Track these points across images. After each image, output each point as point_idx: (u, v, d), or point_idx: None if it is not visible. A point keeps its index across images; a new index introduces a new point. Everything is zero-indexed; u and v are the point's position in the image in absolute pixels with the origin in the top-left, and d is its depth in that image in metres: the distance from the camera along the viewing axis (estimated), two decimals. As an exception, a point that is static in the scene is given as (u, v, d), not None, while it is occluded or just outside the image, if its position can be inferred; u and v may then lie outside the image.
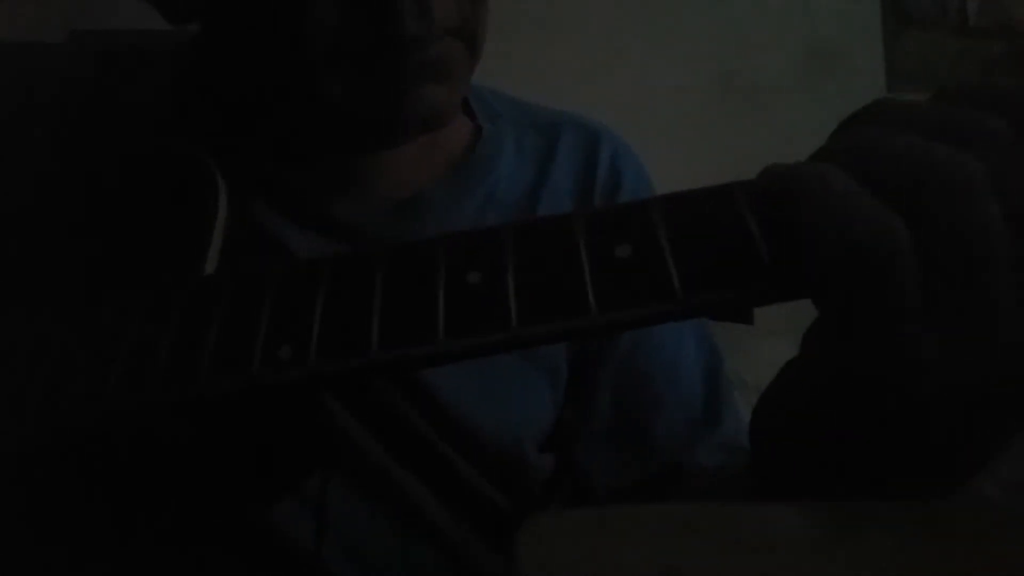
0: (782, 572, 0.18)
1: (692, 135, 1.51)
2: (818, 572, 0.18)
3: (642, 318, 0.25)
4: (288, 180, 0.49)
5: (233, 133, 0.48)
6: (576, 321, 0.25)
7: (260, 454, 0.35)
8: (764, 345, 1.57)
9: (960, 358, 0.22)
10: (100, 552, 0.33)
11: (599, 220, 0.27)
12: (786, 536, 0.19)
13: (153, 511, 0.34)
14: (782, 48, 1.86)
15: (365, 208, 0.49)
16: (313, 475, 0.40)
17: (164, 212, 0.39)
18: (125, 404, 0.27)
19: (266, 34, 0.43)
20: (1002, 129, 0.23)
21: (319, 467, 0.40)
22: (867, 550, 0.18)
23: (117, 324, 0.29)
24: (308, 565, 0.41)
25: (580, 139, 0.57)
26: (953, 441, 0.24)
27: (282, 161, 0.49)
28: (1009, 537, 0.18)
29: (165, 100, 0.50)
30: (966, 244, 0.22)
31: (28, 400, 0.29)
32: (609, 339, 0.52)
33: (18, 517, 0.32)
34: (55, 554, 0.32)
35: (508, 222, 0.28)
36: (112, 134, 0.46)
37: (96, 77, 0.50)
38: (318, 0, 0.41)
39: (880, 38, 1.91)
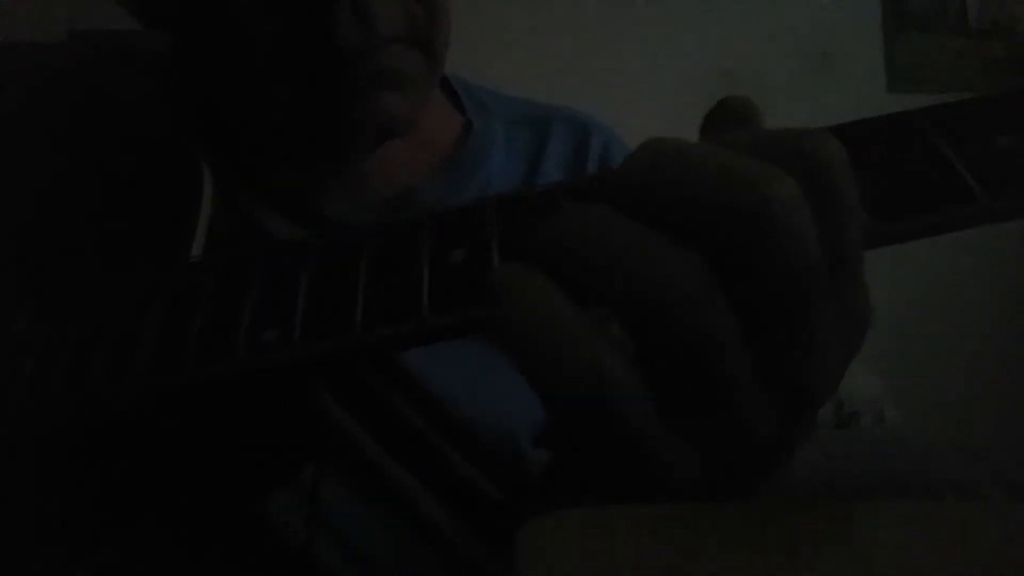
0: (782, 572, 0.18)
1: (692, 135, 1.50)
2: (818, 572, 0.18)
3: None
4: (276, 177, 0.49)
5: (219, 131, 0.48)
6: None
7: (251, 446, 0.35)
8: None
9: (717, 447, 0.21)
10: (91, 546, 0.33)
11: (583, 192, 0.27)
12: (786, 536, 0.19)
13: (144, 504, 0.34)
14: (782, 48, 1.86)
15: (354, 205, 0.49)
16: (305, 469, 0.40)
17: (152, 206, 0.39)
18: (110, 393, 0.27)
19: (216, 45, 0.44)
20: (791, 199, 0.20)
21: (311, 461, 0.40)
22: (867, 550, 0.18)
23: (101, 313, 0.29)
24: (300, 559, 0.41)
25: (570, 132, 0.57)
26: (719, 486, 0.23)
27: (268, 159, 0.49)
28: (1009, 537, 0.18)
29: (159, 98, 0.50)
30: (694, 364, 0.20)
31: (13, 390, 0.29)
32: None
33: (7, 510, 0.32)
34: (45, 548, 0.32)
35: (493, 195, 0.28)
36: (108, 132, 0.46)
37: (95, 76, 0.50)
38: (259, 15, 0.40)
39: (880, 38, 1.91)
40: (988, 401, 1.80)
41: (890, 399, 1.65)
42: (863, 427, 1.58)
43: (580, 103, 0.61)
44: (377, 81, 0.42)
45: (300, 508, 0.41)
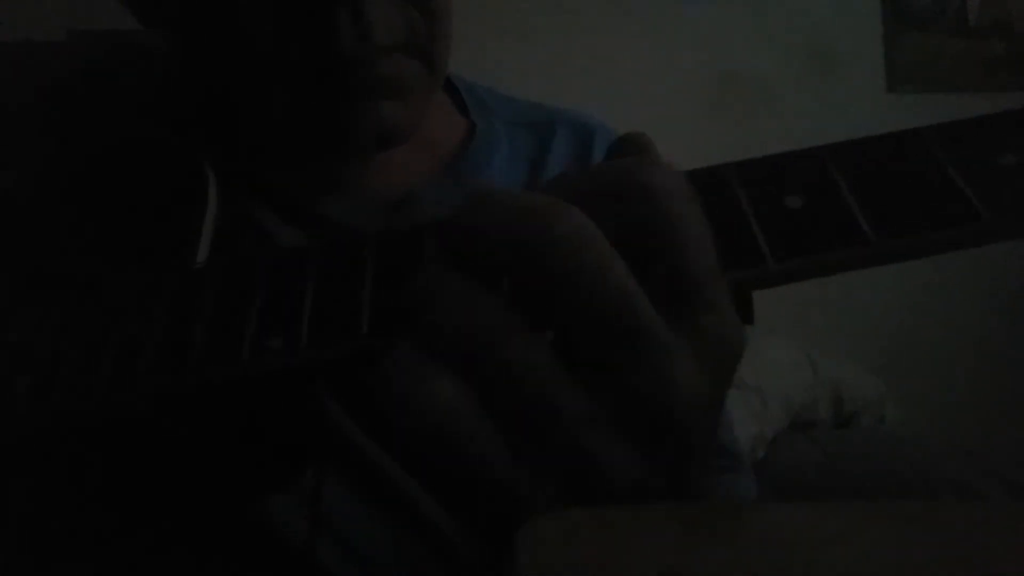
0: (782, 572, 0.18)
1: (692, 134, 1.51)
2: (818, 572, 0.18)
3: None
4: (278, 179, 0.49)
5: (220, 132, 0.48)
6: None
7: (254, 449, 0.35)
8: (764, 345, 1.57)
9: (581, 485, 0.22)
10: (92, 548, 0.33)
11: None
12: (786, 536, 0.19)
13: (147, 506, 0.34)
14: (782, 48, 1.87)
15: (356, 207, 0.49)
16: (308, 471, 0.40)
17: (155, 207, 0.39)
18: (115, 396, 0.27)
19: (218, 47, 0.44)
20: (580, 229, 0.21)
21: (314, 463, 0.40)
22: (867, 550, 0.18)
23: (107, 315, 0.29)
24: (301, 559, 0.41)
25: (574, 136, 0.57)
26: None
27: (269, 160, 0.49)
28: (1008, 536, 0.18)
29: (159, 98, 0.50)
30: (523, 399, 0.21)
31: (18, 392, 0.29)
32: None
33: (10, 511, 0.32)
34: (46, 550, 0.32)
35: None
36: (108, 131, 0.46)
37: (95, 76, 0.50)
38: (258, 20, 0.40)
39: (880, 38, 1.91)
40: (988, 401, 1.80)
41: (890, 399, 1.65)
42: (863, 427, 1.58)
43: (581, 104, 0.61)
44: (376, 90, 0.42)
45: (301, 509, 0.41)
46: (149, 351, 0.27)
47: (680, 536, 0.19)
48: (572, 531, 0.19)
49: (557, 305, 0.21)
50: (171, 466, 0.33)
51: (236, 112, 0.48)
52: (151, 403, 0.28)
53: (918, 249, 0.24)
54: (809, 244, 0.24)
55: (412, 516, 0.45)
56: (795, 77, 1.86)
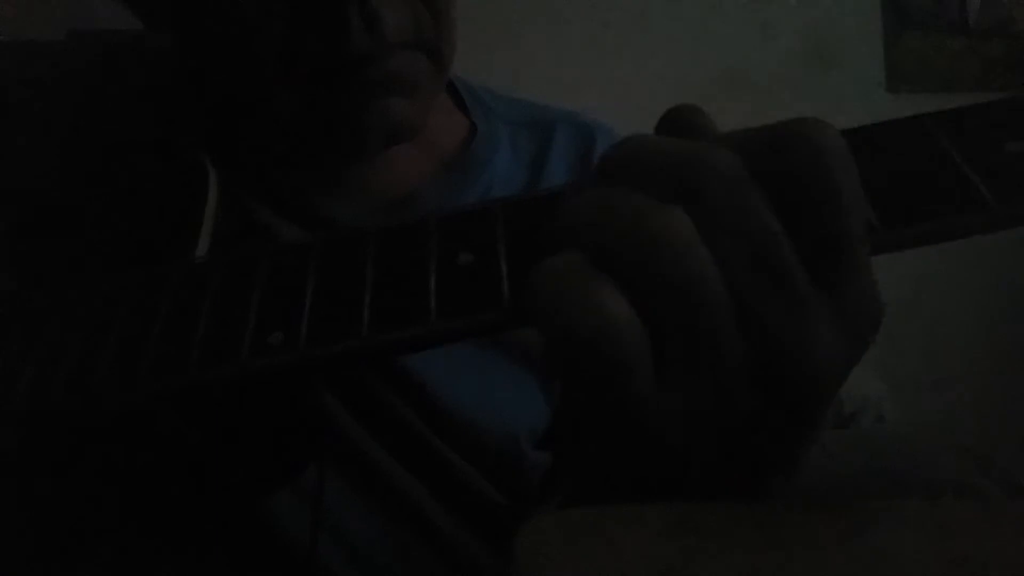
0: (782, 572, 0.18)
1: (692, 135, 1.50)
2: (819, 572, 0.18)
3: None
4: (280, 178, 0.49)
5: (223, 132, 0.48)
6: None
7: (255, 448, 0.35)
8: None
9: (701, 408, 0.22)
10: (94, 547, 0.33)
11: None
12: (786, 536, 0.19)
13: (148, 505, 0.34)
14: (782, 48, 1.87)
15: (358, 207, 0.49)
16: (309, 470, 0.40)
17: (156, 207, 0.39)
18: (114, 393, 0.27)
19: (222, 49, 0.44)
20: (728, 170, 0.22)
21: (315, 462, 0.40)
22: (867, 550, 0.18)
23: (107, 312, 0.29)
24: (304, 561, 0.41)
25: (575, 136, 0.57)
26: (717, 469, 0.23)
27: (271, 160, 0.49)
28: (1009, 537, 0.18)
29: (160, 97, 0.50)
30: (682, 305, 0.21)
31: (17, 389, 0.28)
32: None
33: (11, 510, 0.32)
34: (47, 550, 0.32)
35: (500, 198, 0.28)
36: (109, 131, 0.46)
37: (95, 76, 0.50)
38: (267, 18, 0.40)
39: (880, 38, 1.91)
40: (988, 401, 1.80)
41: (890, 399, 1.65)
42: (863, 427, 1.58)
43: (580, 104, 0.61)
44: (385, 86, 0.42)
45: (303, 509, 0.41)
46: (150, 348, 0.27)
47: (680, 536, 0.19)
48: (572, 531, 0.19)
49: (707, 239, 0.21)
50: (172, 464, 0.33)
51: (237, 111, 0.48)
52: (151, 401, 0.28)
53: (925, 237, 0.24)
54: None
55: (413, 517, 0.45)
56: (795, 77, 1.86)
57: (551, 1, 1.80)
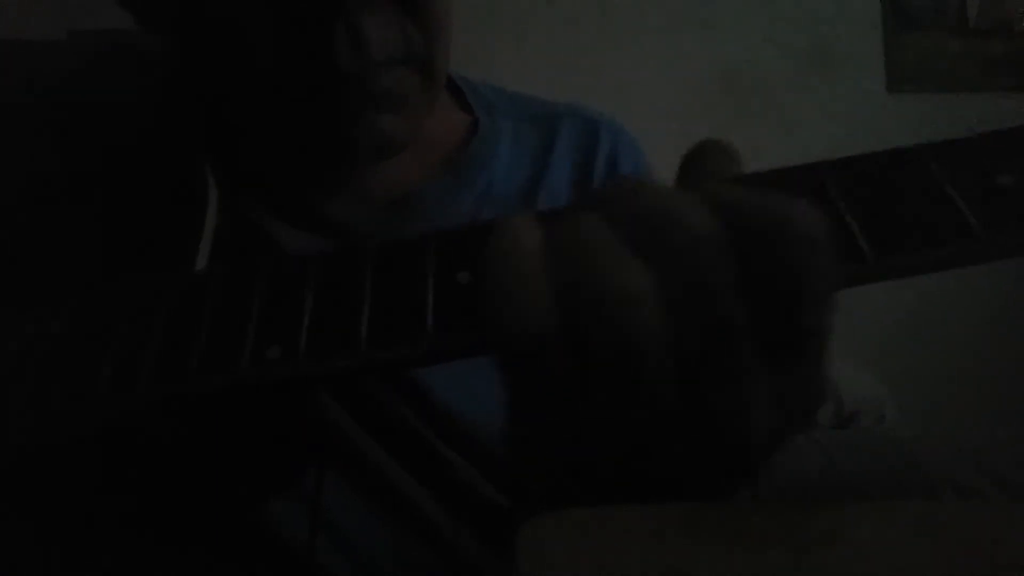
0: (782, 572, 0.18)
1: (692, 134, 1.51)
2: (818, 572, 0.18)
3: None
4: (278, 180, 0.49)
5: (220, 134, 0.48)
6: None
7: (254, 452, 0.35)
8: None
9: (624, 443, 0.23)
10: (95, 551, 0.33)
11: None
12: (786, 536, 0.19)
13: (148, 509, 0.33)
14: (782, 48, 1.87)
15: (358, 207, 0.49)
16: (308, 473, 0.40)
17: (156, 209, 0.39)
18: (114, 403, 0.27)
19: (216, 60, 0.44)
20: (700, 236, 0.22)
21: (314, 465, 0.40)
22: (867, 550, 0.18)
23: (106, 321, 0.29)
24: (303, 563, 0.41)
25: (578, 131, 0.57)
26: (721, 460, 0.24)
27: (269, 164, 0.49)
28: (1009, 537, 0.18)
29: (160, 99, 0.50)
30: (613, 355, 0.21)
31: (16, 399, 0.28)
32: None
33: (12, 516, 0.32)
34: (50, 553, 0.32)
35: (499, 217, 0.28)
36: (108, 132, 0.46)
37: (95, 76, 0.50)
38: (257, 34, 0.40)
39: (880, 38, 1.91)
40: (987, 401, 1.80)
41: (890, 399, 1.65)
42: (863, 427, 1.58)
43: (581, 102, 0.61)
44: (373, 103, 0.42)
45: (303, 512, 0.41)
46: (149, 359, 0.27)
47: (680, 536, 0.19)
48: (572, 531, 0.19)
49: (662, 298, 0.22)
50: (171, 470, 0.33)
51: (236, 118, 0.48)
52: (151, 411, 0.28)
53: (915, 267, 0.24)
54: None
55: (412, 518, 0.45)
56: (795, 77, 1.86)
57: (553, 3, 1.80)
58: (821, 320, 0.22)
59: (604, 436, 0.23)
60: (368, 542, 0.44)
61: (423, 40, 0.43)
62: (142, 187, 0.40)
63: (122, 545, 0.33)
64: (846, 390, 1.58)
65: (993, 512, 0.20)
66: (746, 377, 0.22)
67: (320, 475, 0.40)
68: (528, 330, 0.22)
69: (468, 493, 0.47)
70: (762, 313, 0.22)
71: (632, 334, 0.21)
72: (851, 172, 0.24)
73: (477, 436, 0.48)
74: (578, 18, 1.81)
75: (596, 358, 0.22)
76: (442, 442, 0.47)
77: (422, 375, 0.46)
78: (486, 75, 0.60)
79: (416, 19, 0.42)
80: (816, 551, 0.18)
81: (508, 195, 0.52)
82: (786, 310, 0.22)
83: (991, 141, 0.26)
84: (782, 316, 0.22)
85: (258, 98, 0.43)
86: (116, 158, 0.42)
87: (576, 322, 0.22)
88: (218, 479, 0.35)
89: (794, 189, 0.25)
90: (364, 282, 0.27)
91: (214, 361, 0.27)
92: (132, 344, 0.28)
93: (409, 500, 0.45)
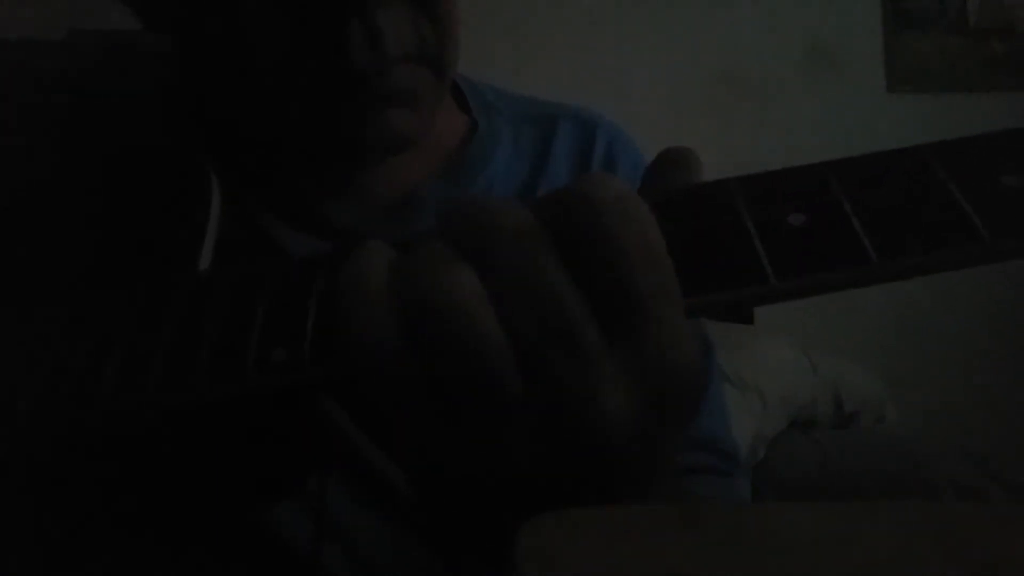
0: (783, 572, 0.18)
1: (692, 134, 1.51)
2: (819, 572, 0.18)
3: None
4: (281, 181, 0.49)
5: (223, 135, 0.48)
6: None
7: (257, 456, 0.35)
8: (764, 345, 1.57)
9: (480, 452, 0.23)
10: (96, 552, 0.33)
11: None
12: (787, 536, 0.19)
13: (151, 513, 0.33)
14: (782, 48, 1.87)
15: (359, 208, 0.49)
16: (311, 477, 0.40)
17: (159, 211, 0.39)
18: (119, 407, 0.27)
19: (223, 59, 0.44)
20: (515, 228, 0.23)
21: (317, 469, 0.40)
22: (867, 550, 0.18)
23: (110, 324, 0.29)
24: (307, 567, 0.41)
25: (576, 131, 0.57)
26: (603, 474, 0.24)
27: (273, 166, 0.49)
28: (1009, 537, 0.18)
29: (161, 99, 0.50)
30: (455, 363, 0.22)
31: (21, 402, 0.28)
32: None
33: (15, 518, 0.31)
34: (53, 555, 0.32)
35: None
36: (109, 133, 0.46)
37: (95, 76, 0.50)
38: (268, 32, 0.40)
39: (880, 38, 1.91)
40: (988, 402, 1.80)
41: (890, 399, 1.65)
42: (863, 427, 1.58)
43: (580, 102, 0.61)
44: (387, 99, 0.42)
45: (306, 515, 0.41)
46: (154, 364, 0.27)
47: (681, 537, 0.19)
48: (572, 531, 0.19)
49: (493, 296, 0.23)
50: (175, 474, 0.33)
51: (240, 119, 0.48)
52: (154, 416, 0.28)
53: (920, 269, 0.24)
54: (811, 263, 0.24)
55: (415, 521, 0.45)
56: (795, 77, 1.86)
57: (553, 3, 1.80)
58: (651, 277, 0.22)
59: (469, 449, 0.23)
60: (372, 546, 0.44)
61: (435, 36, 0.43)
62: (144, 187, 0.40)
63: (122, 545, 0.33)
64: (846, 390, 1.59)
65: (993, 512, 0.20)
66: (592, 359, 0.22)
67: (323, 480, 0.40)
68: (373, 351, 0.23)
69: None
70: (595, 290, 0.22)
71: (463, 334, 0.22)
72: (854, 172, 0.24)
73: None
74: (578, 18, 1.81)
75: (443, 368, 0.22)
76: None
77: None
78: (486, 75, 0.60)
79: (428, 15, 0.42)
80: (816, 552, 0.18)
81: (507, 195, 0.53)
82: (615, 278, 0.22)
83: (996, 141, 0.25)
84: (613, 285, 0.22)
85: (263, 97, 0.43)
86: (118, 158, 0.42)
87: (419, 335, 0.22)
88: (219, 481, 0.35)
89: (795, 189, 0.25)
90: None
91: (219, 364, 0.27)
92: (136, 347, 0.28)
93: (412, 503, 0.45)
